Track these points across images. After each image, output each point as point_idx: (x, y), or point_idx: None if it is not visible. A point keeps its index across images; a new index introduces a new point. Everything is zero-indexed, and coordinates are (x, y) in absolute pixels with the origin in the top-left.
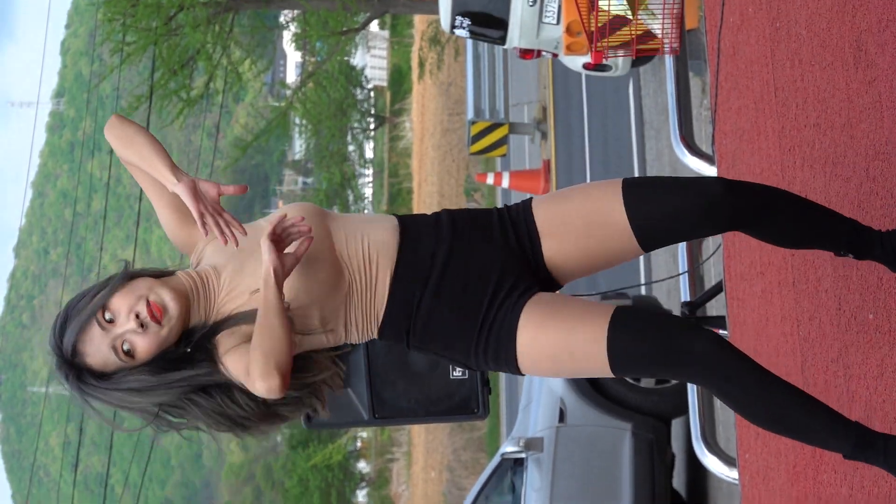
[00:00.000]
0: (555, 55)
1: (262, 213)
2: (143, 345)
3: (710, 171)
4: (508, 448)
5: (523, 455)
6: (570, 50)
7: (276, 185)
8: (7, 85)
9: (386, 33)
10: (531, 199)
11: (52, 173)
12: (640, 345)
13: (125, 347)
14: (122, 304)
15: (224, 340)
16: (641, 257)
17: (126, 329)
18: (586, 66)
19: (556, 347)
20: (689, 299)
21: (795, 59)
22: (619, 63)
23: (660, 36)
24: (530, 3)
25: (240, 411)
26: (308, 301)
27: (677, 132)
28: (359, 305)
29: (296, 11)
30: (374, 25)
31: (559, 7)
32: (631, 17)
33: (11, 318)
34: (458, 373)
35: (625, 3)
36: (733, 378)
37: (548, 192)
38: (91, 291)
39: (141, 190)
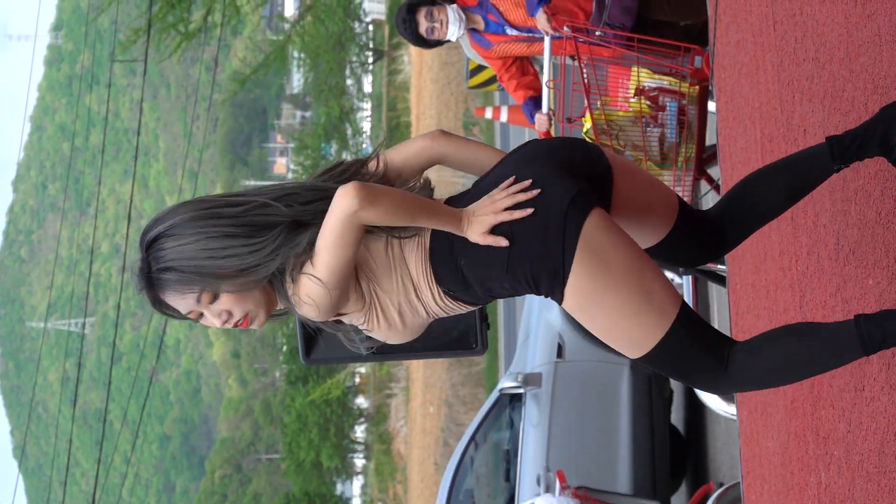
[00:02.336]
0: None
1: (260, 147)
2: (216, 325)
3: (709, 104)
4: (507, 383)
5: (522, 390)
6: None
7: (274, 119)
8: (5, 18)
9: None
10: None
11: (50, 107)
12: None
13: (198, 319)
14: (226, 305)
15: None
16: None
17: (210, 319)
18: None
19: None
20: None
21: None
22: None
23: (670, 185)
24: None
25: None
26: None
27: None
28: None
29: None
30: None
31: None
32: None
33: (10, 252)
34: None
35: (638, 154)
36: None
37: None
38: (228, 251)
39: (139, 124)
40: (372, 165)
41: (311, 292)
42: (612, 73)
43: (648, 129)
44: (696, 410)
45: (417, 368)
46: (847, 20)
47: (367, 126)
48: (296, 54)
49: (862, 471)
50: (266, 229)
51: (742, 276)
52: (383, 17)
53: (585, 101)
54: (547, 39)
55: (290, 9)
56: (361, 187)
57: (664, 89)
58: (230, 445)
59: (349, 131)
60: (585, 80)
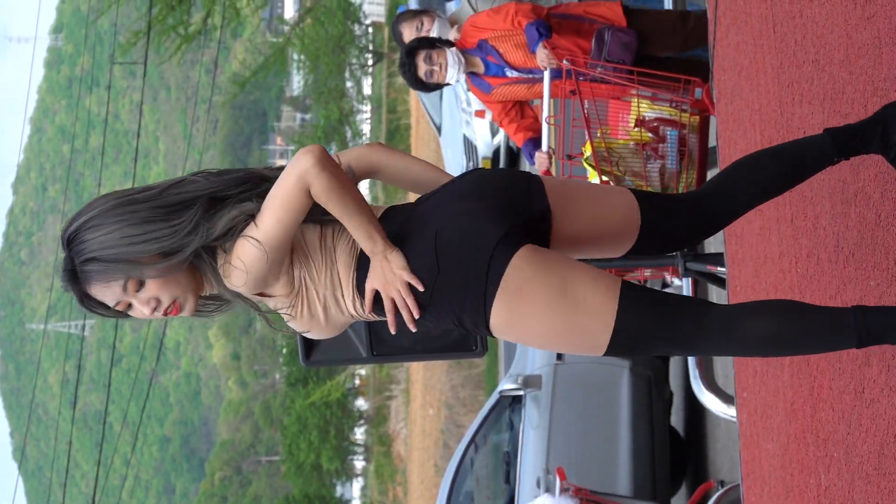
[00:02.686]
0: None
1: (260, 149)
2: (144, 316)
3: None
4: (507, 385)
5: (521, 392)
6: None
7: (274, 122)
8: (5, 20)
9: None
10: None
11: (50, 109)
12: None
13: (126, 310)
14: (153, 292)
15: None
16: None
17: (139, 309)
18: None
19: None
20: None
21: None
22: None
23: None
24: None
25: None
26: None
27: None
28: None
29: None
30: None
31: None
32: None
33: (10, 254)
34: None
35: (639, 181)
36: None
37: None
38: (145, 237)
39: (139, 126)
40: None
41: (244, 255)
42: (612, 106)
43: (649, 161)
44: (695, 412)
45: (417, 370)
46: (847, 22)
47: (366, 128)
48: (295, 56)
49: (862, 473)
50: (184, 209)
51: (742, 278)
52: (383, 20)
53: (586, 136)
54: (546, 74)
55: (289, 11)
56: (322, 150)
57: (664, 119)
58: (230, 447)
59: (349, 133)
60: (585, 112)
